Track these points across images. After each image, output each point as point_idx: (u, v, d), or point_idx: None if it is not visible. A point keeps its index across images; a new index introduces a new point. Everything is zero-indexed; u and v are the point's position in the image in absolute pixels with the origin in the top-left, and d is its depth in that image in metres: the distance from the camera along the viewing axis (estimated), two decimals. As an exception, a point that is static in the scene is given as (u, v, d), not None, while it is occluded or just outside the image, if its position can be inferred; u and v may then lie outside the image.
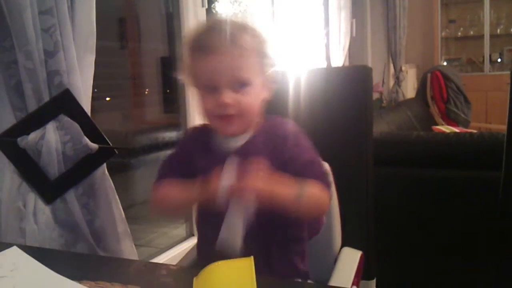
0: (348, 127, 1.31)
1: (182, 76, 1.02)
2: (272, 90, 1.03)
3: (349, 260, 1.15)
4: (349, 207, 1.20)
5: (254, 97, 0.97)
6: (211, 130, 1.03)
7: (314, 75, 1.38)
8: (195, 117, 2.10)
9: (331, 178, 1.07)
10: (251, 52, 0.96)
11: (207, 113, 0.98)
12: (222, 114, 0.95)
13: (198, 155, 1.03)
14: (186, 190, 0.97)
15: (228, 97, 0.93)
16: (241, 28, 0.97)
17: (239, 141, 1.01)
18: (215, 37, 0.94)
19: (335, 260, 1.16)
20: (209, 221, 0.98)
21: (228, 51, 0.93)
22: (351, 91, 1.31)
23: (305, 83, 1.12)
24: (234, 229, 0.90)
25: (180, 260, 1.18)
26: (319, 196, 0.95)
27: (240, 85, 0.94)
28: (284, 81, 1.31)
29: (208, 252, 0.92)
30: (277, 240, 1.00)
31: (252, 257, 0.66)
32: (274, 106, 1.05)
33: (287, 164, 0.97)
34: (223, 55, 0.93)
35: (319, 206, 0.98)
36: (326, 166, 1.10)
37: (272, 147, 0.99)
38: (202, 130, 1.06)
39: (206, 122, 1.02)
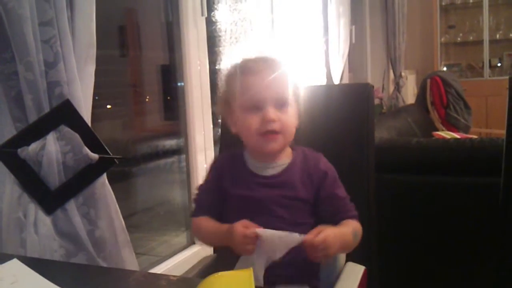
0: (350, 144, 1.34)
1: (218, 107, 1.16)
2: (299, 120, 1.11)
3: (352, 276, 1.14)
4: None
5: (292, 117, 1.08)
6: (243, 156, 1.13)
7: (316, 92, 1.41)
8: (195, 125, 2.11)
9: None
10: (288, 77, 1.09)
11: (251, 131, 1.06)
12: (267, 130, 1.04)
13: (231, 181, 1.11)
14: (218, 233, 1.05)
15: (273, 113, 1.03)
16: (277, 58, 1.12)
17: (275, 166, 1.10)
18: (259, 63, 1.08)
19: (338, 276, 1.15)
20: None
21: (272, 73, 1.06)
22: (353, 109, 1.35)
23: (307, 100, 1.16)
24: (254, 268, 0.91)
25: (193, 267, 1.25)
26: (360, 228, 1.08)
27: (282, 104, 1.05)
28: None
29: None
30: (299, 266, 1.05)
31: (251, 268, 0.66)
32: None
33: (325, 199, 1.08)
34: (268, 77, 1.05)
35: (360, 235, 1.08)
36: None
37: (309, 180, 1.09)
38: (234, 157, 1.15)
39: (245, 142, 1.11)
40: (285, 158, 1.12)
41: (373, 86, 1.37)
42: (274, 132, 1.04)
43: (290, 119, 1.07)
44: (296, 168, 1.10)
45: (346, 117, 1.36)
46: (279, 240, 0.93)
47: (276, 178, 1.09)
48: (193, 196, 1.18)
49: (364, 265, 1.18)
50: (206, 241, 1.17)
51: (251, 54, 1.15)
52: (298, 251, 0.94)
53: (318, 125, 1.30)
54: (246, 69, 1.08)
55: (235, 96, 1.09)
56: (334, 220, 1.05)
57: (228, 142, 1.33)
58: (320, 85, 1.54)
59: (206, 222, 1.10)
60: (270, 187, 1.08)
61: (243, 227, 0.95)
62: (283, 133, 1.06)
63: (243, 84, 1.07)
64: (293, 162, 1.11)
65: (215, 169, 1.16)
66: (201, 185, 1.17)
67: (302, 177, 1.09)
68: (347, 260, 1.21)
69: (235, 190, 1.09)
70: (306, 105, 1.15)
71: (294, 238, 0.92)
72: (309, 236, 0.93)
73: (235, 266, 0.97)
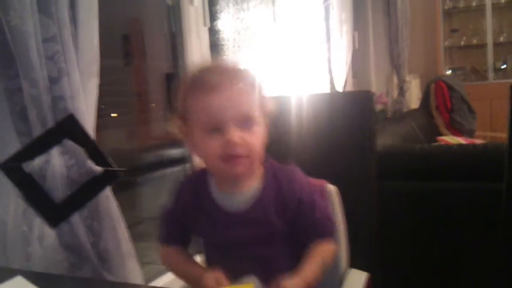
0: (351, 152, 1.34)
1: (176, 124, 0.99)
2: (270, 134, 0.99)
3: (356, 283, 1.13)
4: (354, 228, 1.19)
5: (260, 136, 0.94)
6: (208, 184, 1.00)
7: (317, 100, 1.41)
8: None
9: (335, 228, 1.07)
10: (254, 89, 0.95)
11: (211, 157, 0.93)
12: (230, 155, 0.90)
13: (198, 213, 1.01)
14: (189, 276, 1.00)
15: (236, 135, 0.90)
16: (237, 66, 0.98)
17: (244, 197, 0.97)
18: (217, 75, 0.93)
19: (341, 282, 1.15)
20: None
21: (232, 87, 0.91)
22: (353, 116, 1.35)
23: (308, 108, 1.13)
24: None
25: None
26: (334, 253, 1.00)
27: (247, 123, 0.92)
28: (287, 105, 1.33)
29: None
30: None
31: (252, 284, 0.66)
32: (278, 130, 1.05)
33: (300, 224, 0.97)
34: (228, 92, 0.91)
35: (332, 258, 1.02)
36: (333, 188, 1.13)
37: (285, 208, 0.97)
38: (198, 182, 1.02)
39: (208, 167, 0.98)
40: (255, 183, 0.98)
41: (374, 94, 1.37)
42: (238, 157, 0.91)
43: (257, 139, 0.93)
44: (268, 197, 0.97)
45: (347, 125, 1.36)
46: None
47: (248, 215, 0.96)
48: (159, 219, 1.08)
49: (367, 271, 1.17)
50: (176, 275, 1.07)
51: (208, 64, 1.02)
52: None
53: (319, 134, 1.30)
54: (201, 83, 0.92)
55: (191, 115, 0.95)
56: (311, 240, 0.97)
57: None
58: (321, 94, 1.53)
59: (176, 257, 1.04)
60: (243, 225, 0.96)
61: (215, 282, 0.86)
62: (249, 156, 0.92)
63: (199, 102, 0.92)
64: (265, 187, 0.98)
65: (178, 200, 1.05)
66: (166, 210, 1.06)
67: (276, 207, 0.96)
68: (350, 266, 1.19)
69: (204, 230, 1.01)
70: (308, 114, 1.14)
71: None
72: None
73: None
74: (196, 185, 1.02)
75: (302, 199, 0.97)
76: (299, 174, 1.01)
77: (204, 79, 0.93)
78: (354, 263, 1.19)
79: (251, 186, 0.98)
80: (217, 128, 0.90)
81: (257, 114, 0.94)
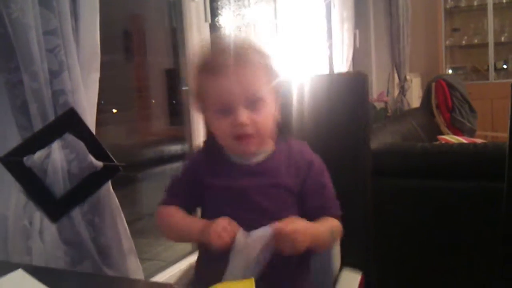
0: (345, 134, 1.27)
1: (192, 103, 1.03)
2: (281, 105, 1.03)
3: (349, 283, 1.12)
4: (347, 223, 1.16)
5: (269, 115, 0.98)
6: (222, 148, 1.03)
7: (309, 82, 1.32)
8: (200, 130, 2.11)
9: None
10: (261, 68, 0.97)
11: (223, 136, 0.98)
12: (239, 134, 0.94)
13: (210, 173, 1.02)
14: (190, 225, 0.98)
15: (245, 116, 0.93)
16: (246, 45, 0.98)
17: (257, 158, 1.01)
18: (224, 57, 0.94)
19: (334, 282, 1.13)
20: (210, 263, 0.97)
21: (239, 69, 0.93)
22: (346, 99, 1.27)
23: (299, 90, 1.11)
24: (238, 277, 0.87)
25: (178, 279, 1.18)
26: (340, 228, 1.01)
27: (255, 103, 0.95)
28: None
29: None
30: (289, 272, 1.00)
31: (253, 279, 0.66)
32: None
33: (309, 191, 1.00)
34: (235, 74, 0.93)
35: (340, 236, 1.03)
36: None
37: (294, 169, 1.00)
38: (212, 149, 1.04)
39: (221, 143, 1.01)
40: (268, 148, 1.03)
41: (366, 75, 1.29)
42: (247, 136, 0.95)
43: (265, 119, 0.97)
44: (280, 156, 1.02)
45: (339, 111, 1.28)
46: (252, 240, 0.87)
47: (259, 166, 1.00)
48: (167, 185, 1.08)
49: (361, 270, 1.15)
50: (172, 234, 1.05)
51: (217, 44, 1.03)
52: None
53: (311, 117, 1.25)
54: (211, 66, 0.96)
55: (202, 95, 0.99)
56: (317, 215, 0.98)
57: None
58: (312, 76, 1.44)
59: (176, 213, 1.01)
60: (252, 175, 0.99)
61: (226, 225, 0.88)
62: (259, 134, 0.96)
63: (207, 84, 0.96)
64: (277, 150, 1.03)
65: (192, 161, 1.08)
66: (175, 175, 1.08)
67: (286, 164, 1.01)
68: (343, 265, 1.18)
69: (213, 180, 1.01)
70: (297, 97, 1.11)
71: (265, 231, 0.87)
72: (279, 225, 0.87)
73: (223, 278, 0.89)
74: (211, 150, 1.04)
75: (312, 163, 1.01)
76: (309, 148, 1.06)
77: (213, 62, 0.95)
78: (347, 262, 1.18)
79: (265, 149, 1.02)
80: (226, 109, 0.94)
81: (266, 93, 0.96)
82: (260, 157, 1.01)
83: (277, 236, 0.86)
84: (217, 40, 1.06)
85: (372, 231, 1.28)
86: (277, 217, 0.91)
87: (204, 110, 1.01)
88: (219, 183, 1.00)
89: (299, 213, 0.97)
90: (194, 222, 0.99)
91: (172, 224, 1.02)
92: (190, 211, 1.05)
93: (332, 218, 1.00)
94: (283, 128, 1.05)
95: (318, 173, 1.02)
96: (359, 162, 1.27)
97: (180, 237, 1.09)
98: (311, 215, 0.97)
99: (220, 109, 0.95)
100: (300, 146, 1.05)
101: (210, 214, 0.97)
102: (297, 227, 0.88)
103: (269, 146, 1.03)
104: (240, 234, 0.87)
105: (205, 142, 1.09)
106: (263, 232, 0.87)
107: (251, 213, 0.95)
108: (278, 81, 1.00)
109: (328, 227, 0.98)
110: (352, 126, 1.27)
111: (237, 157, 1.02)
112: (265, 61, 0.99)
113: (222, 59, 0.94)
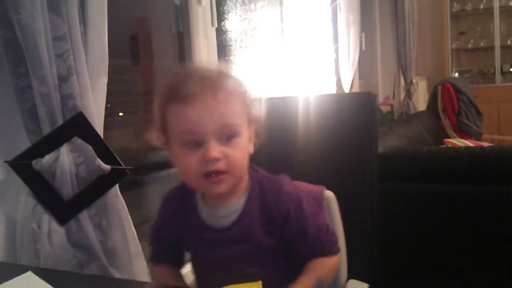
0: (352, 154, 1.27)
1: (154, 135, 0.91)
2: (256, 144, 0.92)
3: None
4: (353, 235, 1.14)
5: (243, 148, 0.87)
6: (193, 194, 0.95)
7: (318, 101, 1.34)
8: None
9: (336, 238, 1.00)
10: (236, 97, 0.86)
11: (190, 173, 0.86)
12: (209, 171, 0.83)
13: (184, 229, 0.96)
14: None
15: (216, 150, 0.82)
16: (220, 73, 0.88)
17: (228, 212, 0.91)
18: (194, 83, 0.83)
19: None
20: None
21: (209, 97, 0.82)
22: (355, 118, 1.28)
23: (309, 109, 1.10)
24: None
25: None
26: (333, 268, 0.95)
27: (228, 136, 0.84)
28: (283, 106, 1.29)
29: None
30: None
31: (260, 282, 0.66)
32: (277, 131, 1.00)
33: (291, 239, 0.91)
34: (205, 102, 0.82)
35: (334, 275, 0.97)
36: (330, 194, 1.07)
37: (270, 221, 0.90)
38: (184, 195, 0.97)
39: (188, 183, 0.92)
40: (239, 196, 0.92)
41: (375, 95, 1.31)
42: (218, 173, 0.84)
43: (239, 153, 0.85)
44: (253, 211, 0.91)
45: (348, 126, 1.29)
46: None
47: (231, 231, 0.90)
48: (149, 236, 1.06)
49: (367, 282, 1.12)
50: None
51: (185, 70, 0.91)
52: None
53: (318, 136, 1.25)
54: (177, 93, 0.84)
55: (168, 126, 0.87)
56: (305, 259, 0.92)
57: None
58: (320, 95, 1.46)
59: (165, 278, 0.99)
60: (227, 242, 0.91)
61: None
62: (231, 172, 0.85)
63: (175, 113, 0.85)
64: (249, 201, 0.91)
65: (164, 215, 1.02)
66: (154, 227, 1.04)
67: (261, 221, 0.90)
68: (349, 277, 1.14)
69: (190, 246, 0.97)
70: (306, 115, 1.09)
71: None
72: None
73: None
74: (182, 198, 0.97)
75: (289, 212, 0.89)
76: (287, 185, 0.93)
77: (180, 88, 0.84)
78: (353, 274, 1.14)
79: (235, 200, 0.92)
80: (195, 142, 0.84)
81: (240, 124, 0.86)
82: (232, 216, 0.91)
83: None
84: (187, 68, 0.94)
85: (378, 241, 1.27)
86: (263, 274, 0.85)
87: (168, 144, 0.89)
88: (195, 249, 0.97)
89: (284, 262, 0.93)
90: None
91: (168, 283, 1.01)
92: (179, 260, 1.04)
93: (322, 260, 0.92)
94: (297, 149, 1.00)
95: (296, 220, 0.90)
96: (367, 175, 1.26)
97: None
98: (299, 260, 0.92)
99: (187, 142, 0.84)
100: (275, 188, 0.92)
101: (197, 266, 0.97)
102: None
103: (242, 187, 0.92)
104: None
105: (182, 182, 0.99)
106: None
107: (234, 279, 0.86)
108: (255, 110, 0.90)
109: (313, 278, 0.90)
110: (361, 141, 1.27)
111: (207, 212, 0.93)
112: (242, 91, 0.89)
113: (191, 86, 0.83)
